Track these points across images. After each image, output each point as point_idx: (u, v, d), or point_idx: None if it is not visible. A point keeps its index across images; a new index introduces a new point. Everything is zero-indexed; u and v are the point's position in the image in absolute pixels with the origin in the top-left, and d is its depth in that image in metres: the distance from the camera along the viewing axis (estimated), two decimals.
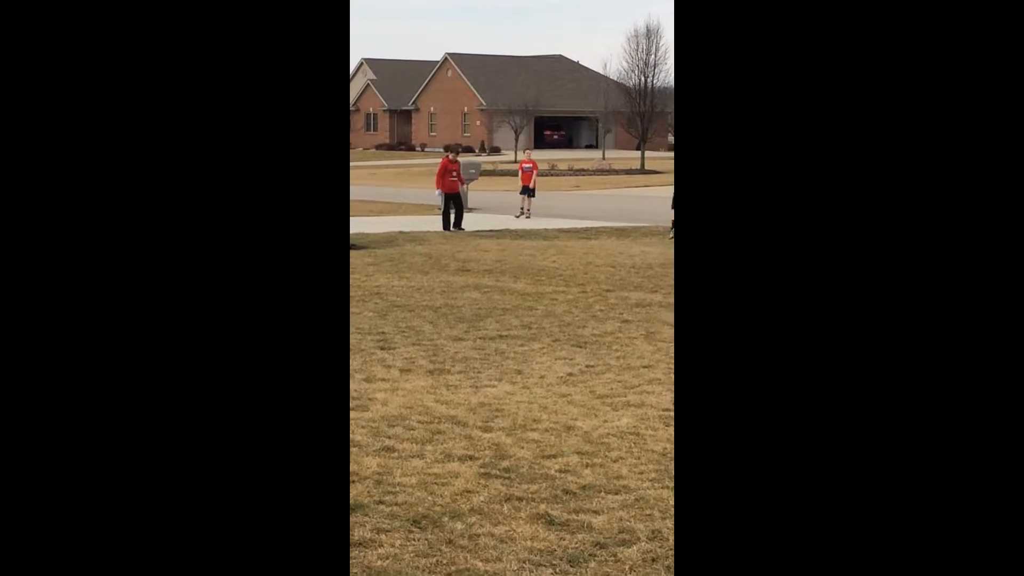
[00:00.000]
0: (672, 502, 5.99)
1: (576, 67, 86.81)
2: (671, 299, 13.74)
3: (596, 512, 5.84)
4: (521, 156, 34.82)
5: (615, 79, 63.61)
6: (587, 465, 6.69)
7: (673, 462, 6.74)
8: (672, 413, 8.00)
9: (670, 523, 5.66)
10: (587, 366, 9.70)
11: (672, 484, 6.31)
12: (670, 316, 12.42)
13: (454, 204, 24.52)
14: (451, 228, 23.98)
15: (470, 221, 24.98)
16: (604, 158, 60.77)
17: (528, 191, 28.39)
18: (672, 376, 9.28)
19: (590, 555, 5.25)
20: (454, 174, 24.71)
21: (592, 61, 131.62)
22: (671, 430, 7.52)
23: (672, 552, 5.27)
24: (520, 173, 29.08)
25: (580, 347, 10.56)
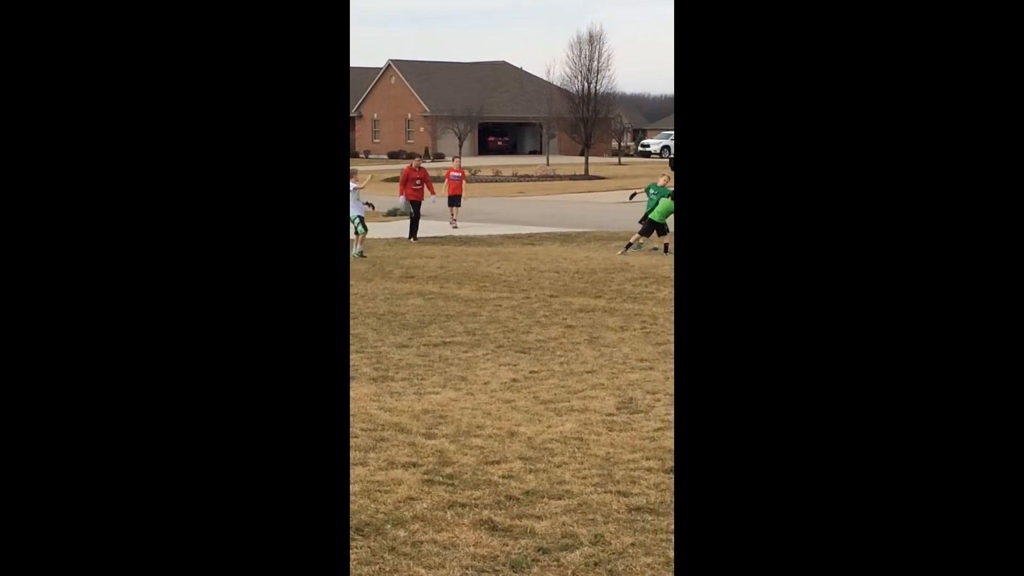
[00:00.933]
0: (615, 506, 6.03)
1: (519, 73, 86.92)
2: (614, 304, 13.81)
3: (539, 518, 5.85)
4: (450, 164, 32.57)
5: (558, 85, 63.77)
6: (530, 471, 6.71)
7: (612, 465, 6.78)
8: (615, 418, 8.04)
9: (613, 527, 5.69)
10: (531, 372, 9.72)
11: (615, 488, 6.35)
12: (613, 321, 12.48)
13: (415, 213, 23.88)
14: (414, 237, 23.09)
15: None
16: (548, 164, 60.88)
17: (454, 200, 26.71)
18: (615, 381, 9.33)
19: (533, 560, 5.26)
20: (417, 182, 24.11)
21: (535, 67, 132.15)
22: (614, 435, 7.56)
23: (614, 556, 5.30)
24: (447, 183, 27.25)
25: (524, 353, 10.58)
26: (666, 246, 20.35)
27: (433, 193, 24.51)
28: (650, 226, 20.57)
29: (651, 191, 21.06)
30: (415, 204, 24.04)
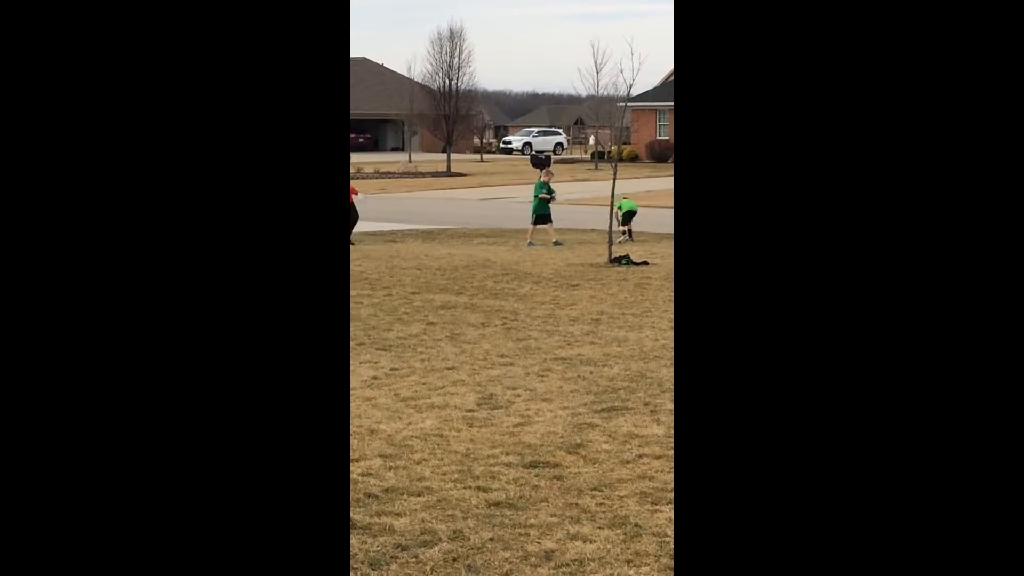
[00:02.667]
0: (474, 502, 6.05)
1: (380, 69, 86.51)
2: (475, 301, 13.85)
3: (398, 515, 5.84)
4: None
5: (420, 82, 63.67)
6: (390, 468, 6.69)
7: (466, 462, 6.80)
8: (475, 414, 8.07)
9: (472, 522, 5.71)
10: (391, 369, 9.69)
11: (474, 484, 6.37)
12: (474, 317, 12.52)
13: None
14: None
15: None
16: (410, 161, 60.75)
17: None
18: (475, 377, 9.36)
19: (392, 558, 5.25)
20: None
21: (396, 64, 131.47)
22: (474, 431, 7.59)
23: (473, 551, 5.33)
24: None
25: (385, 350, 10.54)
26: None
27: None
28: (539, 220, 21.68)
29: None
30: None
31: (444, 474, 6.58)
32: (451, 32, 62.61)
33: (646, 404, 8.37)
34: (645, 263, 17.87)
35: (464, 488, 6.30)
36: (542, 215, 21.68)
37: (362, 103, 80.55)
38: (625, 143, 58.97)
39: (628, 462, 6.85)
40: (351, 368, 9.66)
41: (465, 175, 51.18)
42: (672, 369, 9.63)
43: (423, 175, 51.57)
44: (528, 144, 74.12)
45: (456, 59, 61.10)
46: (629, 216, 22.61)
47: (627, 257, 17.99)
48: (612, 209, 20.33)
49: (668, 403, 8.39)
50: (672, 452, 7.06)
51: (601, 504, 6.05)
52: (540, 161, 37.39)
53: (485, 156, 69.44)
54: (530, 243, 21.27)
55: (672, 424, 7.76)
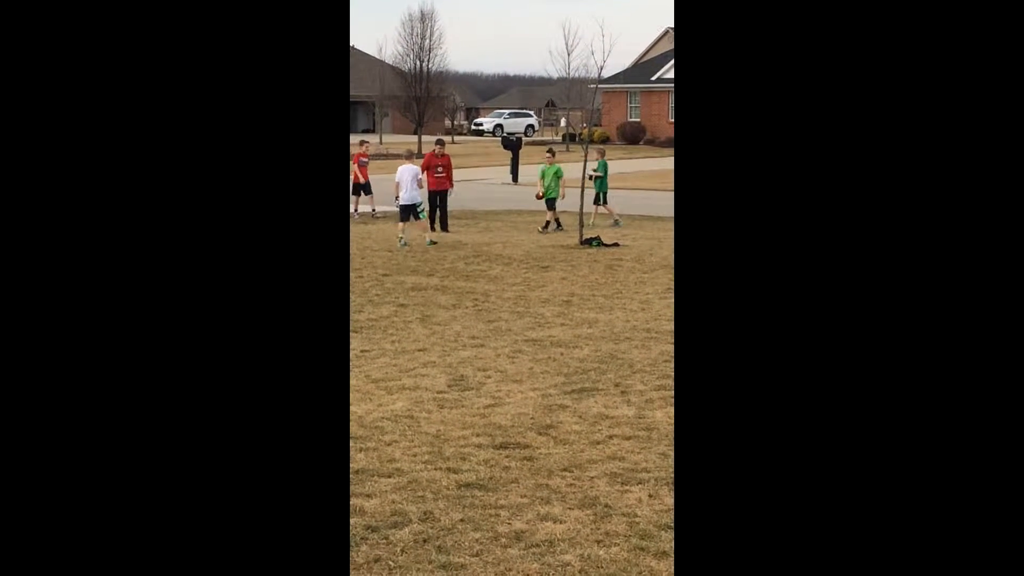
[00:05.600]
0: (444, 483, 6.05)
1: (351, 51, 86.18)
2: (447, 282, 13.84)
3: (368, 496, 5.84)
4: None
5: (391, 63, 63.39)
6: (361, 449, 6.68)
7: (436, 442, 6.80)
8: (446, 396, 8.07)
9: (442, 504, 5.72)
10: (362, 351, 9.68)
11: (444, 466, 6.38)
12: (446, 299, 12.51)
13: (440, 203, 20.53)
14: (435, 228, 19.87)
15: None
16: (381, 143, 60.53)
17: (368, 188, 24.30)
18: (446, 359, 9.36)
19: (362, 539, 5.25)
20: (440, 169, 20.40)
21: (367, 45, 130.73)
22: (445, 412, 7.59)
23: (443, 532, 5.33)
24: (358, 169, 24.24)
25: (356, 332, 10.52)
26: (557, 221, 20.94)
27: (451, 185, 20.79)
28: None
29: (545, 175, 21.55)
30: (440, 194, 20.44)
31: (414, 455, 6.58)
32: (422, 13, 62.44)
33: (616, 385, 8.39)
34: (616, 245, 17.89)
35: (435, 469, 6.30)
36: (551, 199, 21.00)
37: None
38: (596, 125, 58.95)
39: (598, 443, 6.87)
40: None
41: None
42: (643, 351, 9.66)
43: (395, 157, 51.38)
44: (499, 126, 73.96)
45: (427, 40, 60.82)
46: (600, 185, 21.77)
47: (598, 239, 18.01)
48: (583, 189, 20.25)
49: (638, 384, 8.42)
50: (642, 433, 7.08)
51: (571, 485, 6.07)
52: (511, 143, 37.35)
53: (456, 138, 69.29)
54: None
55: (642, 405, 7.79)
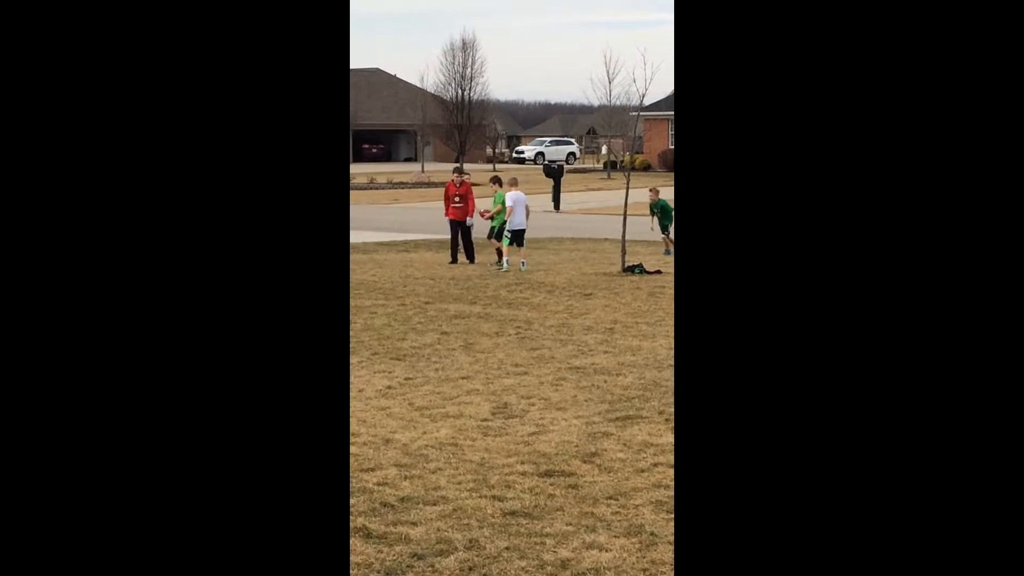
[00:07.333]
0: (489, 511, 6.05)
1: (393, 80, 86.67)
2: (489, 310, 13.86)
3: (414, 524, 5.85)
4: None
5: (432, 92, 63.77)
6: (405, 477, 6.70)
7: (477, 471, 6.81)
8: (490, 423, 8.08)
9: (487, 531, 5.71)
10: (406, 378, 9.71)
11: (489, 493, 6.38)
12: (488, 327, 12.53)
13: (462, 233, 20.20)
14: (457, 260, 19.85)
15: None
16: (423, 171, 60.80)
17: None
18: (489, 386, 9.37)
19: (408, 567, 5.26)
20: (458, 200, 20.18)
21: (409, 74, 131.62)
22: (489, 440, 7.59)
23: (489, 560, 5.33)
24: None
25: (399, 360, 10.56)
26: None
27: (471, 214, 20.31)
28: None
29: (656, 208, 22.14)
30: (460, 224, 20.11)
31: (459, 483, 6.59)
32: (463, 43, 62.76)
33: (660, 413, 8.36)
34: (658, 272, 17.86)
35: (479, 497, 6.31)
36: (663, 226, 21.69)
37: (375, 113, 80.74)
38: (637, 152, 58.94)
39: (643, 471, 6.85)
40: (366, 379, 9.68)
41: (478, 185, 51.21)
42: None
43: (436, 185, 51.59)
44: (540, 154, 74.14)
45: (469, 69, 61.24)
46: (665, 217, 21.95)
47: (640, 266, 17.98)
48: (651, 216, 20.36)
49: None
50: None
51: (616, 513, 6.05)
52: (553, 171, 37.44)
53: (498, 166, 69.51)
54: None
55: None
